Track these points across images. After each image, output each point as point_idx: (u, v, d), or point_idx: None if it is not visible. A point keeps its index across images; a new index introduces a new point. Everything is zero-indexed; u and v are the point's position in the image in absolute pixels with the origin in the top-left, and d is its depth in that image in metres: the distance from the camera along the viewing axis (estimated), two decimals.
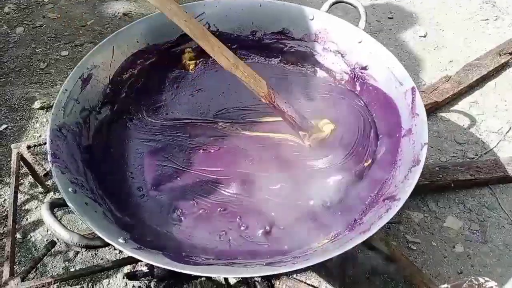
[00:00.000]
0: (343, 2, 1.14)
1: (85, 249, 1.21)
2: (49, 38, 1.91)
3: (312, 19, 1.16)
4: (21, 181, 1.41)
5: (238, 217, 0.93)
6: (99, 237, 0.74)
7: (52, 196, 1.34)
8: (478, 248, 1.18)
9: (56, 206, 0.81)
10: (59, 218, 1.25)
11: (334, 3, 1.16)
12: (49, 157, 0.86)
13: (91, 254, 1.21)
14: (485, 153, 1.40)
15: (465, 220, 1.24)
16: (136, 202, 0.95)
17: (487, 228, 1.22)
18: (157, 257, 0.75)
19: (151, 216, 0.93)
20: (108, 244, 0.74)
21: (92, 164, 0.96)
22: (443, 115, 1.52)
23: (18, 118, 1.60)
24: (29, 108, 1.63)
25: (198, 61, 1.24)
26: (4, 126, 1.56)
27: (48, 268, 1.19)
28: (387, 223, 1.21)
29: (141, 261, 0.76)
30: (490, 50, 1.73)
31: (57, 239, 1.05)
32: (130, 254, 0.72)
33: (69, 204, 0.79)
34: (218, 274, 0.70)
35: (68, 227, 0.84)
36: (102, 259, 1.21)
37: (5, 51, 1.85)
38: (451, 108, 1.55)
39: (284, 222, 0.92)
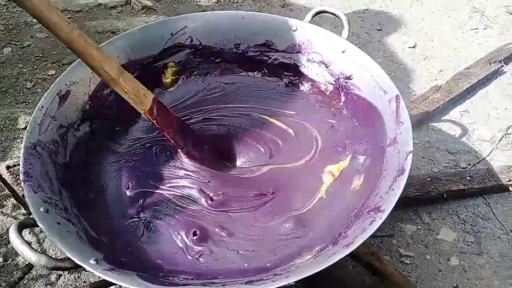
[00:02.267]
0: (325, 12, 1.13)
1: (66, 272, 1.17)
2: (37, 58, 1.90)
3: (295, 30, 1.14)
4: (4, 202, 1.38)
5: (219, 235, 0.89)
6: (69, 259, 0.71)
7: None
8: (473, 260, 1.14)
9: (26, 226, 0.77)
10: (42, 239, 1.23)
11: (316, 14, 1.15)
12: (21, 176, 0.84)
13: (74, 277, 1.17)
14: (478, 162, 1.37)
15: (459, 232, 1.20)
16: (112, 221, 0.92)
17: (482, 239, 1.18)
18: (129, 279, 0.71)
19: (127, 235, 0.89)
20: (79, 266, 0.71)
21: (67, 183, 0.93)
22: (434, 125, 1.49)
23: (2, 138, 1.58)
24: (14, 128, 1.61)
25: (179, 77, 1.22)
26: None
27: None
28: (380, 236, 1.20)
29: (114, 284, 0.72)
30: (479, 59, 1.71)
31: None
32: (101, 275, 0.69)
33: (39, 224, 0.76)
34: None
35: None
36: (85, 282, 1.16)
37: None
38: (442, 118, 1.52)
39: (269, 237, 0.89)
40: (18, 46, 1.94)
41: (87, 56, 0.89)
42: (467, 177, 1.27)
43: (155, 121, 0.98)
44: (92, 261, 0.72)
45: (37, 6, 0.81)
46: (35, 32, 2.01)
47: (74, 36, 0.86)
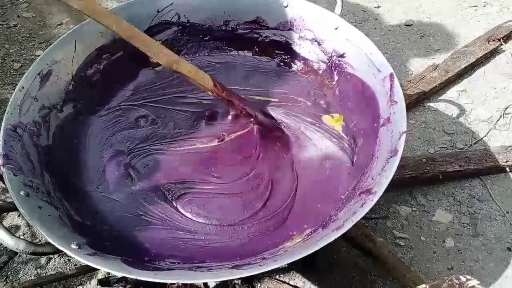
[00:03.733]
0: None
1: (56, 255, 1.15)
2: (24, 38, 1.85)
3: (286, 6, 1.10)
4: None
5: (207, 218, 0.87)
6: (49, 243, 0.68)
7: None
8: (469, 242, 1.12)
9: (5, 210, 0.75)
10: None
11: None
12: (0, 159, 0.80)
13: (64, 260, 1.15)
14: (475, 143, 1.34)
15: (455, 213, 1.18)
16: (97, 205, 0.89)
17: (478, 221, 1.16)
18: (112, 263, 0.69)
19: (112, 219, 0.87)
20: (59, 251, 0.68)
21: (50, 165, 0.90)
22: (431, 105, 1.46)
23: None
24: (2, 110, 1.57)
25: None
26: None
27: (19, 276, 1.13)
28: (374, 218, 1.17)
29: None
30: (478, 37, 1.67)
31: None
32: (82, 260, 0.66)
33: (19, 208, 0.73)
34: (177, 280, 0.64)
35: None
36: (75, 265, 1.14)
37: None
38: (439, 98, 1.48)
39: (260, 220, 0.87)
40: (5, 26, 1.89)
41: (143, 42, 0.91)
42: (464, 158, 1.24)
43: (220, 98, 0.98)
44: (73, 246, 0.70)
45: (98, 14, 0.87)
46: (22, 11, 1.95)
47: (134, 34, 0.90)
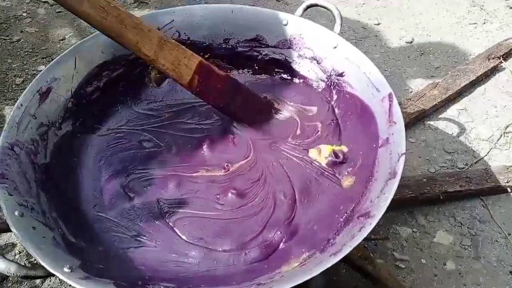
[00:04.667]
0: (317, 5, 1.09)
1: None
2: (26, 53, 1.86)
3: (286, 25, 1.10)
4: None
5: (204, 241, 0.86)
6: (41, 266, 0.67)
7: None
8: (470, 265, 1.10)
9: None
10: None
11: (308, 7, 1.10)
12: None
13: (59, 280, 1.14)
14: (476, 163, 1.33)
15: (456, 235, 1.16)
16: (92, 224, 0.88)
17: (480, 243, 1.14)
18: None
19: (107, 239, 0.85)
20: (52, 274, 0.67)
21: (47, 184, 0.89)
22: (431, 123, 1.45)
23: None
24: (2, 125, 1.57)
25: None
26: None
27: None
28: (374, 239, 1.16)
29: None
30: (478, 55, 1.67)
31: None
32: (74, 284, 0.65)
33: (12, 229, 0.72)
34: None
35: None
36: (70, 285, 1.13)
37: None
38: (439, 116, 1.48)
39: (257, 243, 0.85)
40: (8, 41, 1.90)
41: (123, 42, 0.90)
42: (465, 178, 1.23)
43: (195, 91, 0.98)
44: (66, 269, 0.68)
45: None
46: (25, 26, 1.96)
47: (107, 25, 0.87)
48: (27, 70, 1.79)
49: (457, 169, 1.31)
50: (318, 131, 1.04)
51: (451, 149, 1.37)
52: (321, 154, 1.00)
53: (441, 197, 1.19)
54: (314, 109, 1.09)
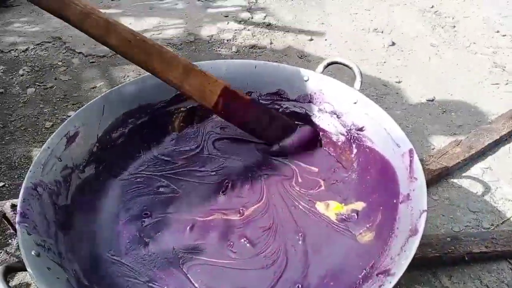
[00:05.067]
0: (338, 63, 1.12)
1: None
2: (58, 99, 1.95)
3: (307, 80, 1.13)
4: (9, 241, 1.35)
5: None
6: None
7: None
8: None
9: (14, 270, 0.74)
10: None
11: (328, 64, 1.14)
12: (17, 217, 0.81)
13: None
14: (502, 223, 1.28)
15: None
16: (107, 268, 0.88)
17: None
18: None
19: (121, 285, 0.84)
20: None
21: (65, 226, 0.90)
22: (454, 181, 1.42)
23: (16, 176, 1.58)
24: (28, 166, 1.61)
25: (190, 124, 1.21)
26: (1, 183, 1.54)
27: None
28: None
29: None
30: (502, 114, 1.66)
31: None
32: None
33: (27, 268, 0.72)
34: None
35: None
36: None
37: (14, 111, 1.89)
38: (463, 174, 1.45)
39: None
40: (42, 87, 2.00)
41: (150, 70, 0.99)
42: (490, 239, 1.18)
43: (221, 114, 1.06)
44: None
45: (97, 32, 0.92)
46: (59, 74, 2.08)
47: (134, 56, 0.96)
48: (57, 115, 1.87)
49: (483, 229, 1.26)
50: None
51: (475, 208, 1.33)
52: (329, 209, 0.99)
53: (466, 258, 1.14)
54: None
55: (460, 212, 1.33)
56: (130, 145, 1.14)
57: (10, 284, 0.71)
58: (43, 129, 1.80)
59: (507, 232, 1.21)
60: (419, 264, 1.16)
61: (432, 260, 1.16)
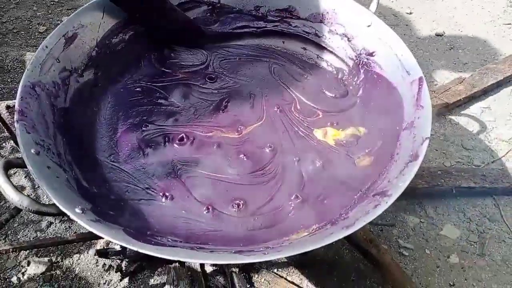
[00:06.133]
0: None
1: (57, 220, 1.15)
2: (52, 2, 1.85)
3: None
4: (3, 144, 1.35)
5: (213, 201, 0.86)
6: (54, 204, 0.67)
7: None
8: (474, 261, 1.10)
9: (13, 166, 0.74)
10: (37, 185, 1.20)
11: None
12: (15, 115, 0.80)
13: (65, 227, 1.15)
14: (493, 162, 1.31)
15: (464, 230, 1.15)
16: (106, 173, 0.88)
17: (486, 241, 1.13)
18: (114, 232, 0.68)
19: (119, 190, 0.86)
20: (63, 213, 0.67)
21: (64, 128, 0.89)
22: (452, 118, 1.43)
23: (9, 80, 1.54)
24: (21, 70, 1.57)
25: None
26: None
27: (18, 236, 1.13)
28: (380, 225, 1.15)
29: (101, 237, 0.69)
30: (509, 55, 1.63)
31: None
32: (85, 225, 0.65)
33: (27, 165, 0.72)
34: (177, 257, 0.62)
35: None
36: (75, 232, 1.14)
37: (6, 11, 1.79)
38: (462, 112, 1.45)
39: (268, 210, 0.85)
40: None
41: None
42: (480, 175, 1.22)
43: None
44: (78, 210, 0.69)
45: None
46: None
47: None
48: (51, 20, 1.78)
49: (473, 166, 1.29)
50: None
51: (469, 146, 1.35)
52: (327, 136, 0.99)
53: (454, 191, 1.18)
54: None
55: (453, 148, 1.35)
56: (130, 53, 1.10)
57: None
58: (36, 33, 1.73)
59: (497, 170, 1.24)
60: (407, 194, 1.19)
61: (421, 191, 1.19)
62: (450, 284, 1.05)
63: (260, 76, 1.13)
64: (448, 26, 1.79)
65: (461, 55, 1.67)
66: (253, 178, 0.91)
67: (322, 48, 1.13)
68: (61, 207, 0.66)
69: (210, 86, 1.10)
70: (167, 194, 0.86)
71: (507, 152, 1.33)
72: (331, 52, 1.11)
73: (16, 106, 0.81)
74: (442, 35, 1.74)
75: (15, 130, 0.89)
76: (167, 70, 1.12)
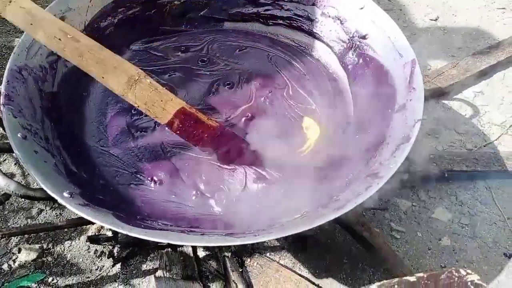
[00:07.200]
0: None
1: (47, 207, 1.14)
2: None
3: None
4: None
5: (204, 187, 0.85)
6: (41, 189, 0.67)
7: None
8: (465, 243, 1.10)
9: (0, 150, 0.72)
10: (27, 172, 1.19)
11: None
12: (1, 99, 0.78)
13: (55, 214, 1.14)
14: (485, 146, 1.31)
15: (455, 213, 1.16)
16: (95, 158, 0.88)
17: (478, 223, 1.13)
18: (103, 216, 0.67)
19: (109, 174, 0.85)
20: (51, 197, 0.66)
21: (52, 113, 0.87)
22: (445, 102, 1.42)
23: None
24: (9, 57, 1.54)
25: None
26: None
27: (9, 224, 1.12)
28: (372, 208, 1.15)
29: (92, 222, 0.68)
30: (502, 40, 1.62)
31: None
32: (73, 209, 0.65)
33: (14, 149, 0.71)
34: (167, 240, 0.62)
35: None
36: (66, 218, 1.13)
37: None
38: (455, 96, 1.45)
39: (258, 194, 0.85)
40: None
41: (87, 72, 0.80)
42: (472, 159, 1.22)
43: (176, 133, 0.84)
44: (66, 194, 0.68)
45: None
46: None
47: (66, 55, 0.78)
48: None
49: (465, 150, 1.29)
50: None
51: (462, 130, 1.35)
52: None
53: (446, 175, 1.18)
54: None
55: (446, 132, 1.35)
56: (119, 36, 1.08)
57: None
58: None
59: (489, 154, 1.24)
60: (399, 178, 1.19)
61: (412, 175, 1.19)
62: (441, 265, 1.06)
63: (253, 60, 1.12)
64: (442, 11, 1.77)
65: (454, 39, 1.66)
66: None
67: (313, 33, 1.11)
68: (48, 191, 0.65)
69: (202, 68, 1.08)
70: (155, 178, 0.86)
71: (499, 136, 1.34)
72: (322, 36, 1.10)
73: (2, 90, 0.79)
74: (436, 19, 1.73)
75: (1, 114, 0.87)
76: (158, 54, 1.10)
